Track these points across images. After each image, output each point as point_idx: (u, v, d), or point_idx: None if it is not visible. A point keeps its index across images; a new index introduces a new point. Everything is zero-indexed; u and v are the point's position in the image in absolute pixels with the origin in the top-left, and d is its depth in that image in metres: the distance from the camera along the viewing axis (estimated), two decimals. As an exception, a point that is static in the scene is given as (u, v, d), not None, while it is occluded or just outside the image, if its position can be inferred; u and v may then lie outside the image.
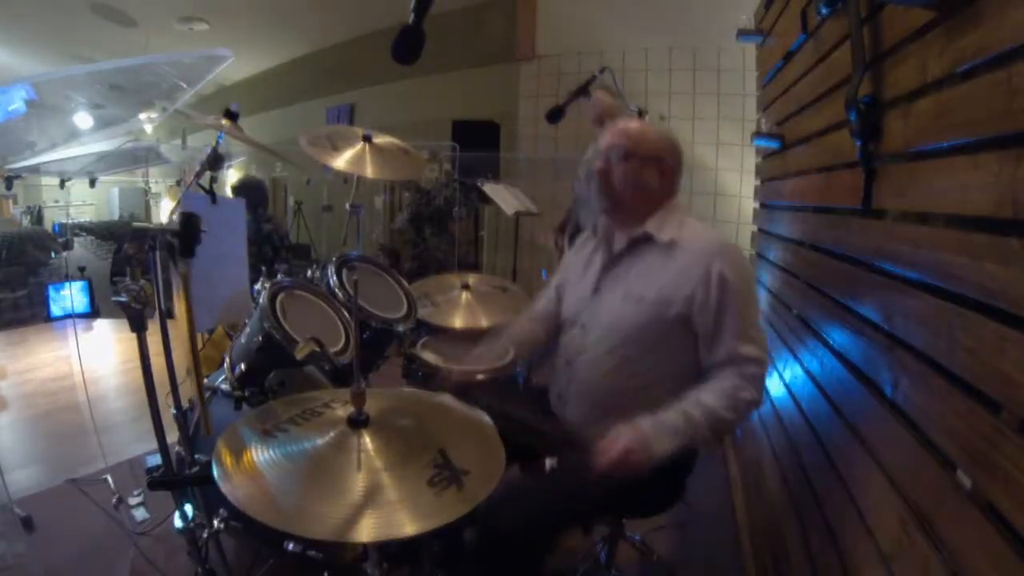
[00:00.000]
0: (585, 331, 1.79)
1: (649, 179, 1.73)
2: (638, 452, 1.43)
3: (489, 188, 4.29)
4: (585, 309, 1.81)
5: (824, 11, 1.75)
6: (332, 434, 1.12)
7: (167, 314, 1.52)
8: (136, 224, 1.32)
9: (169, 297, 1.50)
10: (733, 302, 1.58)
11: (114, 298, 1.36)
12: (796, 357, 2.23)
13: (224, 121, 2.07)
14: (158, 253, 1.36)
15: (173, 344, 1.56)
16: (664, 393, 1.57)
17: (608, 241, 1.83)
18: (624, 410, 1.55)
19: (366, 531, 0.92)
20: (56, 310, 6.15)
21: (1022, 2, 0.92)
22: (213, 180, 2.06)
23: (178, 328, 1.51)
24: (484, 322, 2.48)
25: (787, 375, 2.34)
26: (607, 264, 1.81)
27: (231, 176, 7.99)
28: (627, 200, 1.75)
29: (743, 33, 3.24)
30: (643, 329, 1.66)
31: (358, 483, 1.01)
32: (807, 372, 2.05)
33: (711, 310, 1.59)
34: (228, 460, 1.04)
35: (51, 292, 6.17)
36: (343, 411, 1.19)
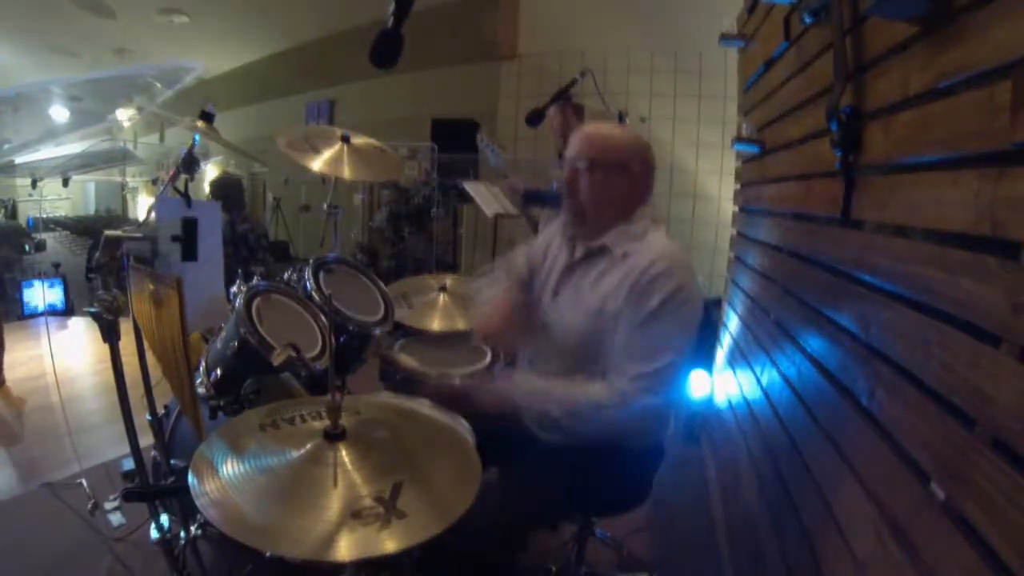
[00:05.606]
0: (543, 331, 1.79)
1: (617, 187, 1.69)
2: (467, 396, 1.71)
3: (470, 186, 4.27)
4: (546, 310, 1.81)
5: (807, 20, 1.75)
6: (308, 447, 1.10)
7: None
8: (108, 232, 1.29)
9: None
10: (645, 318, 1.54)
11: (86, 308, 1.33)
12: (773, 362, 2.24)
13: (199, 123, 2.04)
14: (130, 259, 1.33)
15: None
16: None
17: (572, 244, 1.80)
18: None
19: (345, 549, 0.91)
20: (30, 307, 6.04)
21: (1005, 21, 0.92)
22: (189, 180, 2.02)
23: (149, 337, 1.49)
24: (461, 325, 2.46)
25: (764, 379, 2.36)
26: (565, 269, 1.79)
27: (210, 172, 7.90)
28: (593, 210, 1.71)
29: (725, 37, 3.24)
30: (587, 339, 1.66)
31: (336, 498, 0.99)
32: (784, 377, 2.06)
33: (625, 319, 1.57)
34: (205, 476, 1.02)
35: (25, 289, 6.05)
36: (318, 424, 1.17)
